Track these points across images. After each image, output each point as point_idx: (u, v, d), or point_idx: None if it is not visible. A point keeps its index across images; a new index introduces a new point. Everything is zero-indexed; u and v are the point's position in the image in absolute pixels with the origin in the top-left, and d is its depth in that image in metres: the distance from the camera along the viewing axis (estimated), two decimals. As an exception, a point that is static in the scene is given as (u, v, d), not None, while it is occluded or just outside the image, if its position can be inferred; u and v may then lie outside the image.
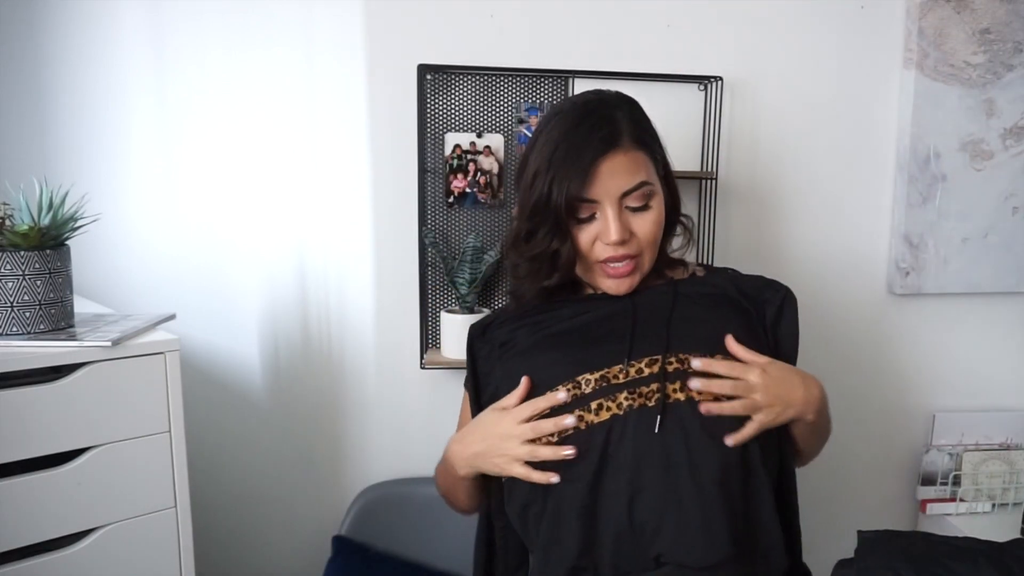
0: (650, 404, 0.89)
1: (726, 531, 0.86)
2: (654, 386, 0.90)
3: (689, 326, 0.96)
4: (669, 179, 1.04)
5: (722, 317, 0.98)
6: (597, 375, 0.92)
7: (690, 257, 1.16)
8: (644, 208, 0.98)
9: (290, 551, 1.57)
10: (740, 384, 0.90)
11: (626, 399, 0.89)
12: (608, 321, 0.99)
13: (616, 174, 0.95)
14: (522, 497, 0.95)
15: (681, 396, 0.89)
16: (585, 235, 0.98)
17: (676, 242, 1.12)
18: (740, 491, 0.88)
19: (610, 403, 0.90)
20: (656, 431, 0.87)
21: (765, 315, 1.02)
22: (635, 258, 0.99)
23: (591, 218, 0.98)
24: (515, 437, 0.92)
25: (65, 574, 0.99)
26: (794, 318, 1.03)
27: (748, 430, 0.89)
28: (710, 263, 1.13)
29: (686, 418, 0.88)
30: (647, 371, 0.91)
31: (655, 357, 0.92)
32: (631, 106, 1.01)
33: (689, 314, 0.98)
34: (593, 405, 0.90)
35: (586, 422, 0.90)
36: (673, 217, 1.07)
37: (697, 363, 0.91)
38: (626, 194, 0.96)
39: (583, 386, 0.91)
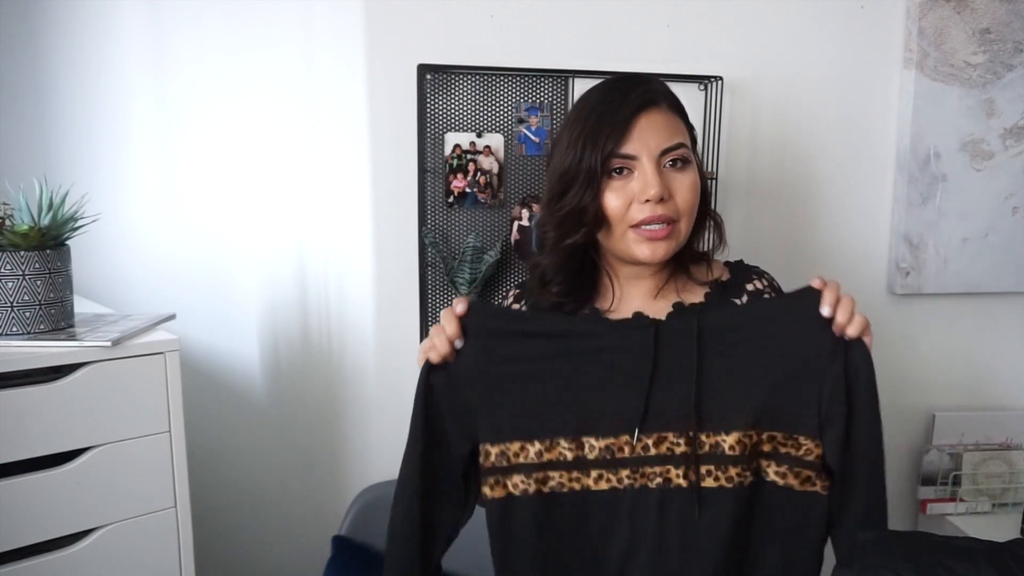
0: (651, 486, 0.88)
1: None
2: (657, 468, 0.88)
3: (713, 389, 0.88)
4: (699, 166, 1.01)
5: (758, 374, 0.89)
6: (602, 444, 0.89)
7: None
8: (681, 169, 0.94)
9: (290, 551, 1.57)
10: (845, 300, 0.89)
11: (628, 477, 0.88)
12: (622, 372, 0.90)
13: (656, 130, 0.92)
14: (526, 531, 0.91)
15: (683, 483, 0.87)
16: (619, 195, 0.93)
17: (703, 244, 1.07)
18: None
19: (611, 475, 0.89)
20: (654, 519, 0.88)
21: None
22: (672, 223, 0.94)
23: (624, 174, 0.93)
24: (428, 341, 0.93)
25: (65, 574, 0.99)
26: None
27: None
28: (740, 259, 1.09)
29: (685, 508, 0.87)
30: (654, 451, 0.88)
31: (663, 435, 0.88)
32: (665, 84, 1.00)
33: (716, 372, 0.89)
34: (594, 474, 0.89)
35: (583, 485, 0.89)
36: (704, 210, 1.03)
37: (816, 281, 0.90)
38: (664, 152, 0.93)
39: (586, 450, 0.89)
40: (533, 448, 0.90)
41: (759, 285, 1.03)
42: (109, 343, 0.98)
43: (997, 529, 1.61)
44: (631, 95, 0.93)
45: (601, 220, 0.94)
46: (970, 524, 1.65)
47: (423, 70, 1.43)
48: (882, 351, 1.68)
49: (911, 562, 1.19)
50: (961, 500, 1.69)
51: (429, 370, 0.92)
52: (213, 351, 1.50)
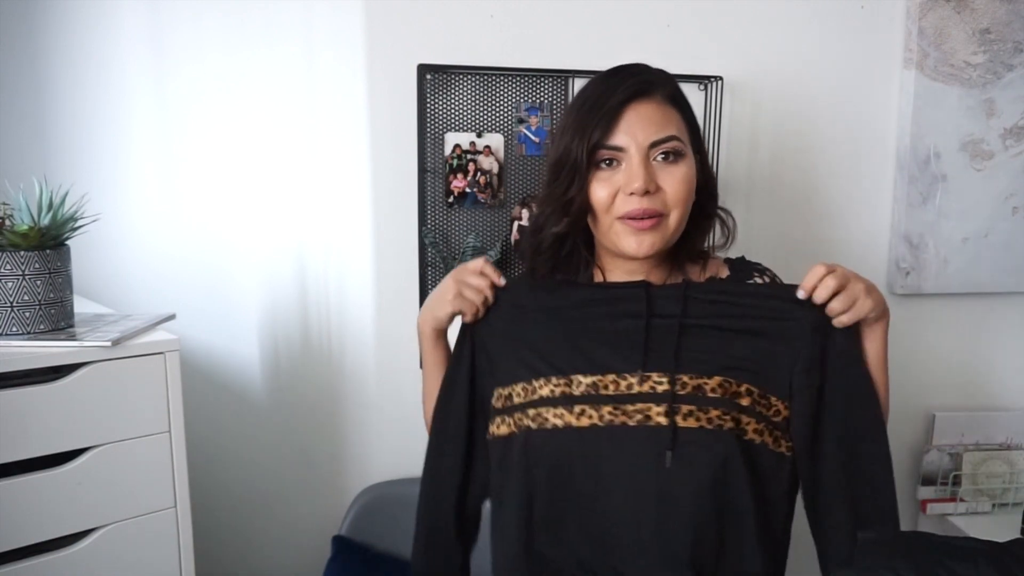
0: (631, 423, 0.88)
1: (687, 557, 0.86)
2: (639, 405, 0.88)
3: (698, 340, 0.91)
4: (703, 160, 0.99)
5: (740, 333, 0.92)
6: (589, 380, 0.90)
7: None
8: (673, 162, 0.93)
9: (290, 551, 1.57)
10: (845, 290, 0.88)
11: (609, 413, 0.89)
12: (618, 320, 0.94)
13: (645, 122, 0.91)
14: (517, 468, 0.93)
15: (664, 421, 0.87)
16: (605, 186, 0.92)
17: (708, 241, 1.08)
18: (712, 521, 0.88)
19: (593, 411, 0.89)
20: (629, 457, 0.89)
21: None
22: (660, 217, 0.93)
23: (612, 166, 0.93)
24: (456, 281, 0.98)
25: (65, 574, 0.99)
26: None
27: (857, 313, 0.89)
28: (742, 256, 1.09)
29: (662, 451, 0.87)
30: (637, 389, 0.89)
31: (646, 375, 0.89)
32: (670, 75, 0.98)
33: (701, 327, 0.92)
34: (577, 409, 0.90)
35: (566, 422, 0.90)
36: (709, 208, 1.02)
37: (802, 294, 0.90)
38: (654, 145, 0.91)
39: (573, 386, 0.91)
40: (530, 387, 0.93)
41: (760, 282, 1.03)
42: (109, 343, 0.98)
43: (997, 529, 1.61)
44: (623, 85, 0.93)
45: (586, 211, 0.95)
46: (970, 524, 1.65)
47: (423, 70, 1.43)
48: (882, 351, 1.69)
49: (911, 562, 1.19)
50: (961, 500, 1.70)
51: (466, 327, 1.00)
52: (213, 351, 1.50)
